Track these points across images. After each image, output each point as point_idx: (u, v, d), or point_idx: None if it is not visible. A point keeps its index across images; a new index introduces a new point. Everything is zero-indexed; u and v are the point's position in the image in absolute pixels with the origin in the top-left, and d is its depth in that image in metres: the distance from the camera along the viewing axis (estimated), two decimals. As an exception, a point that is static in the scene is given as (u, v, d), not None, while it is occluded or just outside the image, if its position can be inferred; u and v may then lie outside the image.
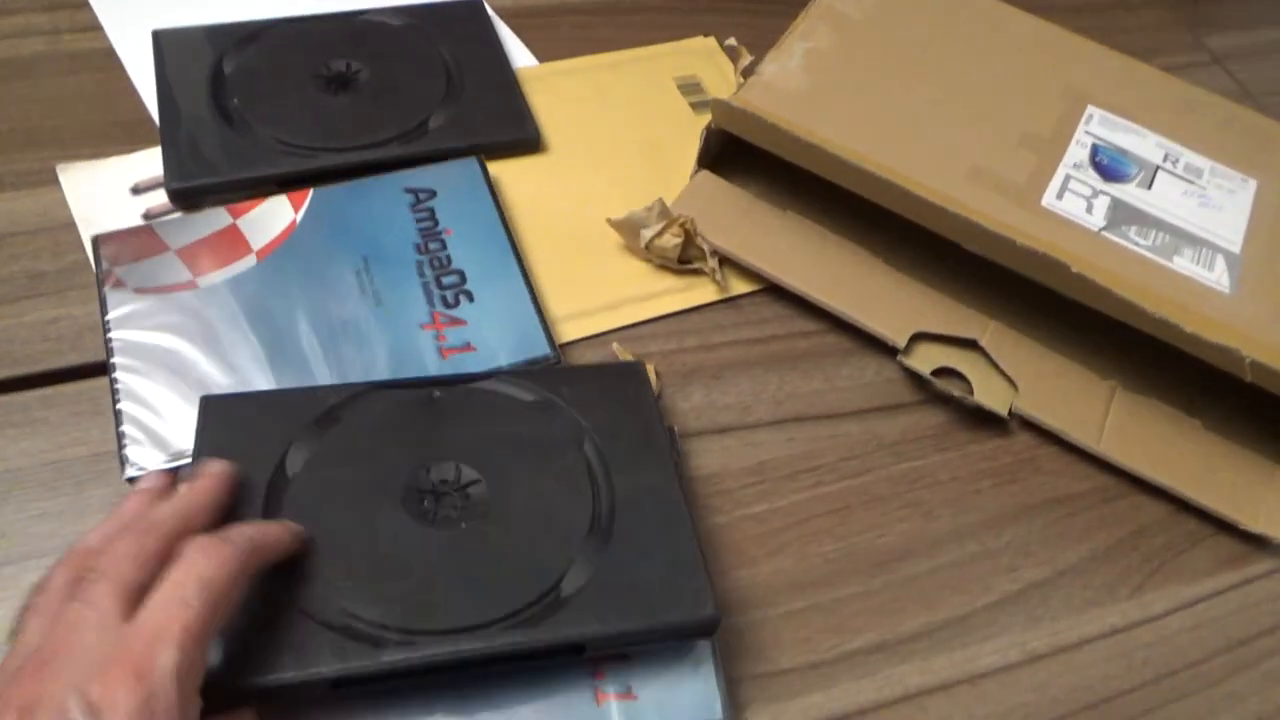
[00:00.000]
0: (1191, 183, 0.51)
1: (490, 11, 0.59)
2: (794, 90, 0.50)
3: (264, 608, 0.33)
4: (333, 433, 0.38)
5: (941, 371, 0.47)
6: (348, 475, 0.37)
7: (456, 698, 0.35)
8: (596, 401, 0.40)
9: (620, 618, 0.34)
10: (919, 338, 0.48)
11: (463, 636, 0.33)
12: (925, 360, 0.47)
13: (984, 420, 0.47)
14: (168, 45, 0.53)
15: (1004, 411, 0.46)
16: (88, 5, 0.56)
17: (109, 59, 0.54)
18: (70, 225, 0.46)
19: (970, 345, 0.48)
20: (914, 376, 0.47)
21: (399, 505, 0.36)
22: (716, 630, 0.35)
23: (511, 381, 0.41)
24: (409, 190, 0.48)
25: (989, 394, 0.46)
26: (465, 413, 0.39)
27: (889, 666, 0.39)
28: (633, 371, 0.43)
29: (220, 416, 0.38)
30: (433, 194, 0.48)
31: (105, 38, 0.55)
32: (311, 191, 0.48)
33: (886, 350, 0.48)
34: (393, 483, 0.37)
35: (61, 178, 0.48)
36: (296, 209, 0.47)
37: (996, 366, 0.47)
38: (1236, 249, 0.48)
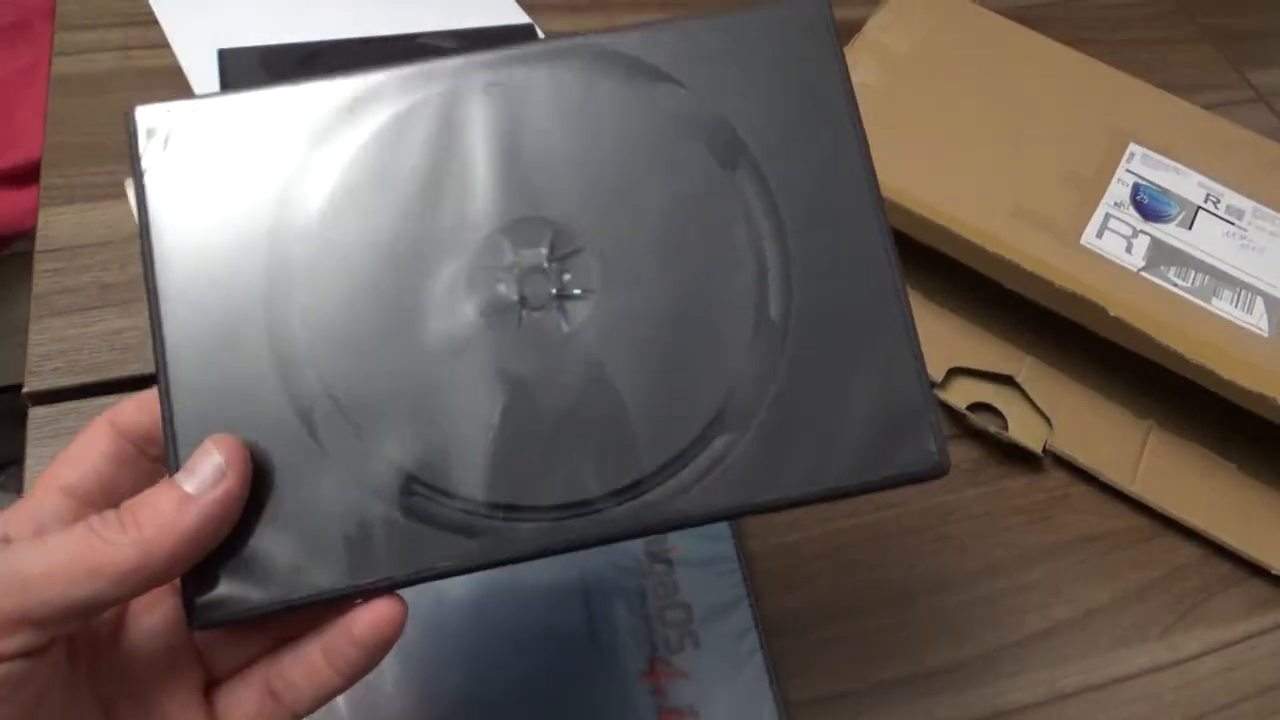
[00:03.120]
0: (1233, 224, 0.51)
1: (541, 37, 0.61)
2: (838, 124, 0.51)
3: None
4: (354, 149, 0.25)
5: (977, 407, 0.48)
6: (380, 233, 0.24)
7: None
8: (747, 84, 0.26)
9: (807, 473, 0.24)
10: (955, 372, 0.48)
11: (581, 516, 0.23)
12: (961, 395, 0.48)
13: (1018, 457, 0.47)
14: (232, 64, 0.55)
15: (1038, 449, 0.46)
16: (156, 23, 0.58)
17: (176, 76, 0.56)
18: (136, 238, 0.48)
19: (1006, 381, 0.48)
20: (949, 411, 0.48)
21: (464, 294, 0.24)
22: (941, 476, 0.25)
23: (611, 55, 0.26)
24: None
25: (1024, 431, 0.47)
26: (548, 120, 0.25)
27: (916, 699, 0.39)
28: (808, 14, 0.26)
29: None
30: None
31: (172, 55, 0.57)
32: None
33: (923, 383, 0.48)
34: (450, 255, 0.24)
35: (129, 192, 0.50)
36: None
37: (1032, 403, 0.48)
38: (1277, 292, 0.49)
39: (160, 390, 0.24)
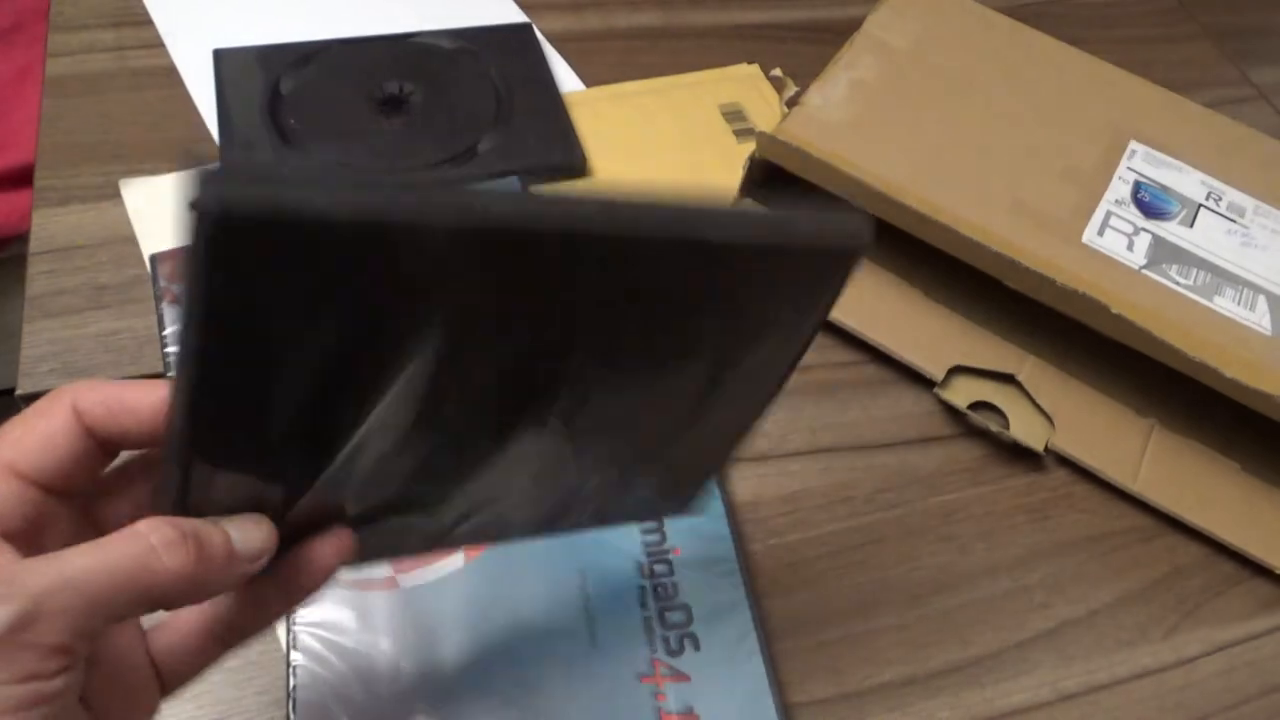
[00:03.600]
0: (1234, 221, 0.51)
1: (539, 35, 0.60)
2: (837, 122, 0.50)
3: None
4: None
5: (978, 405, 0.47)
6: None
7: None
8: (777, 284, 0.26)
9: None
10: (956, 371, 0.48)
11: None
12: (962, 394, 0.48)
13: (1020, 456, 0.47)
14: (227, 64, 0.55)
15: (1040, 447, 0.46)
16: (151, 23, 0.58)
17: (171, 76, 0.55)
18: (132, 239, 0.48)
19: (1008, 380, 0.48)
20: (950, 410, 0.47)
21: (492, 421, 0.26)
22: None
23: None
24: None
25: (1025, 429, 0.47)
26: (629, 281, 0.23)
27: (919, 700, 0.39)
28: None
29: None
30: None
31: (167, 55, 0.57)
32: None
33: (924, 383, 0.48)
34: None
35: (124, 192, 0.50)
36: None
37: (1034, 402, 0.47)
38: (1279, 289, 0.48)
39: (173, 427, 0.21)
